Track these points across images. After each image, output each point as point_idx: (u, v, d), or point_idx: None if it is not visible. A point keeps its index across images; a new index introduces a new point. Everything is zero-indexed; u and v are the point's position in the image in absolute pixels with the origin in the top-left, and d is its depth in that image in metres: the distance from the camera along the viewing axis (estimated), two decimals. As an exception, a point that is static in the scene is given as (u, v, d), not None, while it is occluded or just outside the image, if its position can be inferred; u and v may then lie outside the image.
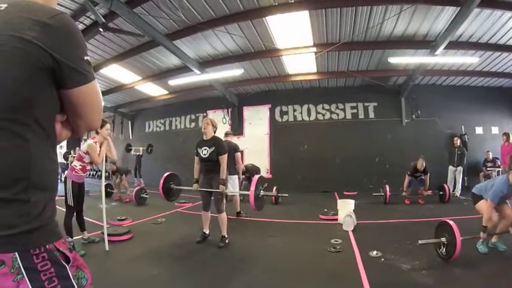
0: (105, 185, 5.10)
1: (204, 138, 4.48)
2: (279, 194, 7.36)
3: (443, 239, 3.53)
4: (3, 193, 0.76)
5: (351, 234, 4.83)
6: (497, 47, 7.56)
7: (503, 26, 6.60)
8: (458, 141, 9.17)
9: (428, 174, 7.58)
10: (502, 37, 7.13)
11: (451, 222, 3.48)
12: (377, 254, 3.79)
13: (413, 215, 6.22)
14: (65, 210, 4.19)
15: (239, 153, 6.44)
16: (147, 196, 8.34)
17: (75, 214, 4.30)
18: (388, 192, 7.68)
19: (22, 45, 0.77)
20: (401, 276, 3.20)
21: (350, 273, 3.31)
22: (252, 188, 4.14)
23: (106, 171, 5.56)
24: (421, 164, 7.45)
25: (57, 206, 0.92)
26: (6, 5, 0.83)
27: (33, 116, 0.81)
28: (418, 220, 5.76)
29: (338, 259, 3.82)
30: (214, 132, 4.53)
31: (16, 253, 0.76)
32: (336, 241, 4.40)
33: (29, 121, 0.80)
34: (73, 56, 0.85)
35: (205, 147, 4.41)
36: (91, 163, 4.30)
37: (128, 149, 13.03)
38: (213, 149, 4.36)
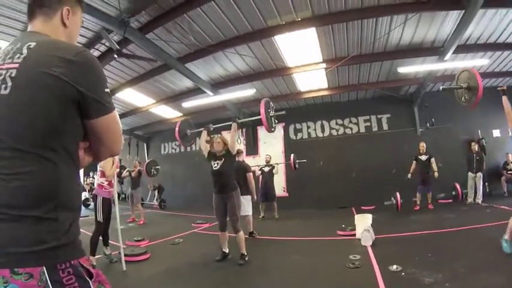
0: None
1: (217, 154, 4.66)
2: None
3: (464, 85, 3.66)
4: (35, 211, 0.83)
5: (369, 249, 4.72)
6: (506, 46, 7.46)
7: (509, 23, 6.52)
8: (476, 146, 8.86)
9: (433, 158, 8.19)
10: (509, 35, 7.04)
11: (472, 69, 3.75)
12: (397, 268, 3.67)
13: (434, 226, 6.03)
14: (93, 228, 4.40)
15: (251, 174, 6.41)
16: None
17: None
18: (399, 200, 7.81)
19: (51, 80, 0.87)
20: (423, 290, 3.10)
21: (370, 288, 3.24)
22: (262, 109, 4.35)
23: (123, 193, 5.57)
24: (422, 146, 8.20)
25: (85, 231, 0.99)
26: (35, 43, 0.93)
27: (61, 143, 0.90)
28: (439, 231, 5.57)
29: (357, 275, 3.73)
30: (226, 149, 4.65)
31: (44, 267, 0.82)
32: (355, 257, 4.30)
33: (58, 147, 0.89)
34: (96, 89, 0.95)
35: (216, 161, 4.60)
36: (118, 175, 4.55)
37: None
38: (222, 160, 4.55)
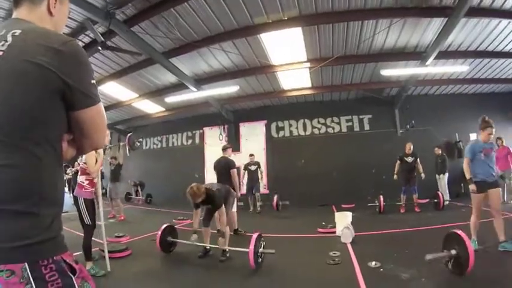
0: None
1: (200, 201, 4.43)
2: (280, 202, 8.93)
3: (453, 252, 3.20)
4: (17, 205, 0.80)
5: (349, 246, 4.83)
6: (486, 54, 7.76)
7: (490, 33, 6.80)
8: (440, 150, 9.23)
9: (418, 159, 8.20)
10: (489, 44, 7.33)
11: (460, 232, 3.24)
12: (376, 264, 3.78)
13: (411, 224, 6.21)
14: (73, 224, 4.21)
15: (235, 170, 6.35)
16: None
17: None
18: (382, 203, 7.91)
19: (36, 69, 0.83)
20: (400, 285, 3.20)
21: (349, 284, 3.31)
22: (252, 245, 3.94)
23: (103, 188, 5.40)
24: (409, 147, 8.18)
25: (65, 228, 0.96)
26: (20, 31, 0.89)
27: (45, 135, 0.87)
28: (417, 229, 5.76)
29: (337, 271, 3.82)
30: (204, 193, 4.42)
31: (26, 263, 0.79)
32: (335, 254, 4.39)
33: (41, 140, 0.86)
34: (82, 80, 0.92)
35: (205, 205, 4.67)
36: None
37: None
38: (210, 206, 4.67)
